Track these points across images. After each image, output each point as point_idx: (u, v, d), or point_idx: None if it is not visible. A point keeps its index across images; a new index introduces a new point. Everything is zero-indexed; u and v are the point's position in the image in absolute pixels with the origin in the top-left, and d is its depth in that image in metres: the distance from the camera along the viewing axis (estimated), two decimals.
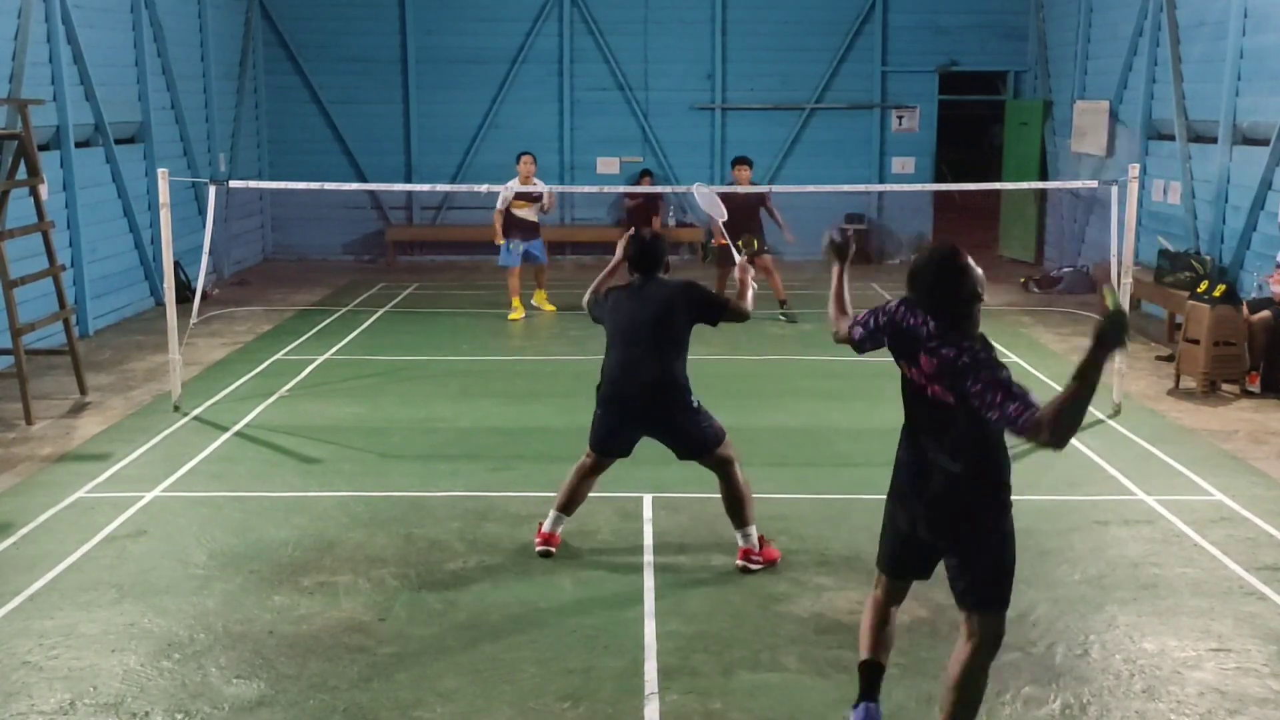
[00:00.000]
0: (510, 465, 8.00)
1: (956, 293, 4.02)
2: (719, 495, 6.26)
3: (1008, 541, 4.14)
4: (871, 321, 4.36)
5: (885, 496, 4.40)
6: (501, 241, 13.36)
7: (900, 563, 4.43)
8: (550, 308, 13.81)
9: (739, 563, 6.25)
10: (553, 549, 6.42)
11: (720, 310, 6.23)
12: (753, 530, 6.27)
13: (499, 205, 13.31)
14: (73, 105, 12.31)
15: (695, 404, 6.17)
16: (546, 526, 6.43)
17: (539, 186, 13.26)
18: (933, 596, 5.87)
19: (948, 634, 5.44)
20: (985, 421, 3.86)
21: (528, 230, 13.40)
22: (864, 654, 4.51)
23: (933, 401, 4.07)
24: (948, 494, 4.09)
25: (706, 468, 6.26)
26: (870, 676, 4.50)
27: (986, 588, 4.14)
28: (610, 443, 6.31)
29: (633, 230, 6.46)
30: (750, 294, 6.30)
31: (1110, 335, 3.56)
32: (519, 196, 13.12)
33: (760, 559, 6.26)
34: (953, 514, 4.12)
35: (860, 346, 4.47)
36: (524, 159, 13.43)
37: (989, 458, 4.06)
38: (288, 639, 5.42)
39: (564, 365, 11.14)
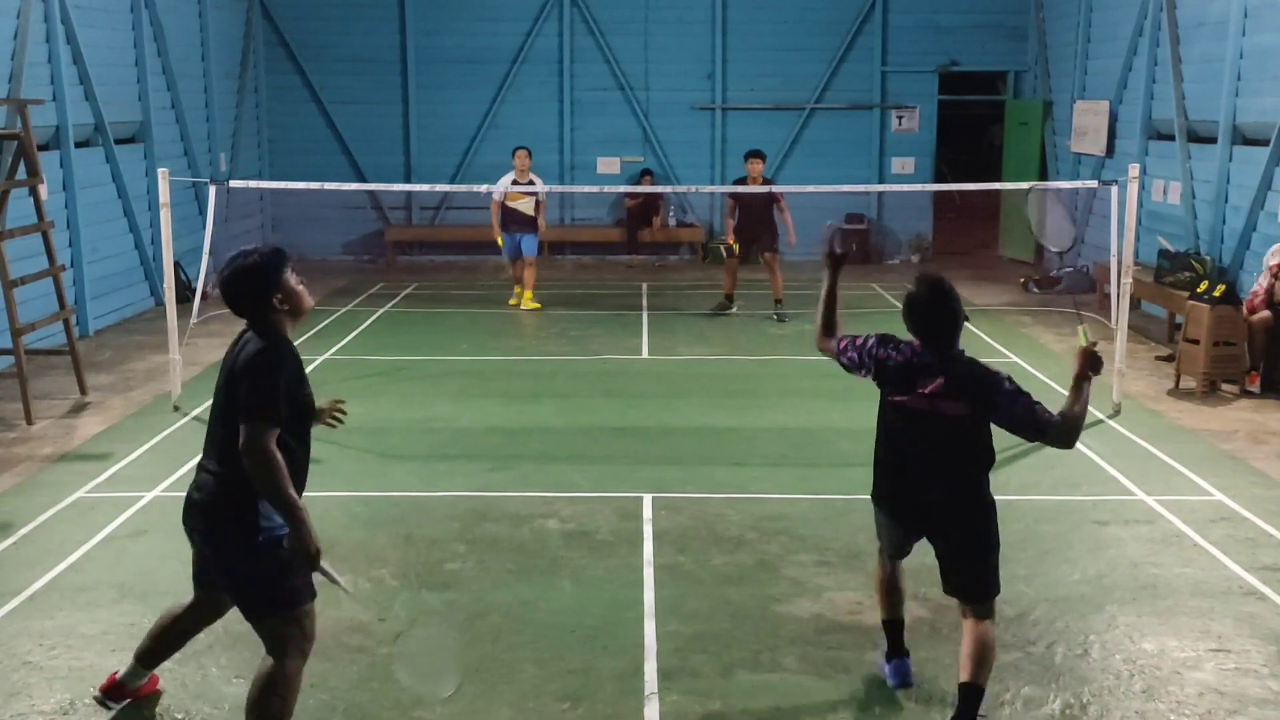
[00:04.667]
0: (510, 465, 7.99)
1: (955, 314, 4.57)
2: (718, 495, 6.09)
3: (993, 538, 4.66)
4: (856, 355, 4.82)
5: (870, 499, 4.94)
6: (499, 236, 13.84)
7: (900, 549, 5.03)
8: (534, 306, 13.89)
9: None
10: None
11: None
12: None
13: (495, 197, 13.64)
14: (72, 105, 12.31)
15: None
16: None
17: (537, 185, 13.57)
18: (933, 597, 5.88)
19: (948, 634, 5.44)
20: (999, 424, 4.48)
21: (522, 223, 13.74)
22: (885, 614, 5.07)
23: (934, 419, 4.55)
24: (940, 501, 4.62)
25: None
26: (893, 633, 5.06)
27: (975, 581, 4.63)
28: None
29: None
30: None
31: (1094, 367, 4.50)
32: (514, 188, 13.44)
33: None
34: (945, 517, 4.65)
35: (850, 371, 4.90)
36: (519, 153, 13.77)
37: (976, 470, 4.62)
38: None
39: (563, 365, 11.14)
